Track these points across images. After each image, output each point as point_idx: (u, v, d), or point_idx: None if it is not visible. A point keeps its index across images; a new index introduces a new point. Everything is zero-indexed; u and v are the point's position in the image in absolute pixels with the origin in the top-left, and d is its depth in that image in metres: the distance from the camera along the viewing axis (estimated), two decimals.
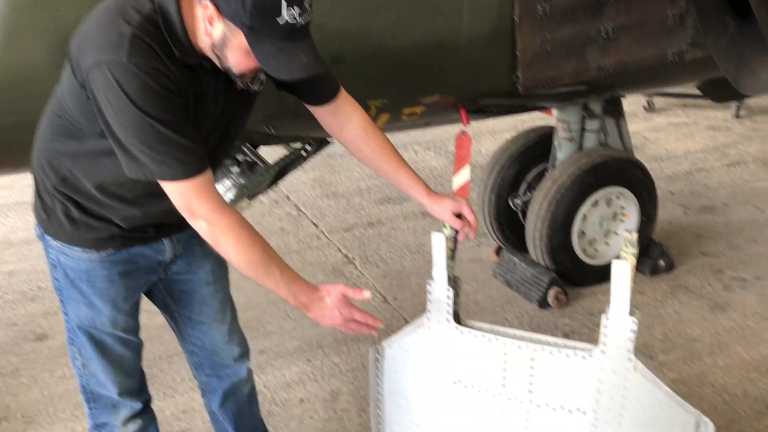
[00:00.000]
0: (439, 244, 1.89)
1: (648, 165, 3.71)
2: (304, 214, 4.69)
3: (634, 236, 1.67)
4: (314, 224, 4.52)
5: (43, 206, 1.80)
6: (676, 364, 2.98)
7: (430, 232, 1.92)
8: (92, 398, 1.97)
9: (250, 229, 1.64)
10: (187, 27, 1.55)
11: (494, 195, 3.71)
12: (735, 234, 4.19)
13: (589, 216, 3.50)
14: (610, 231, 3.60)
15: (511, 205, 3.72)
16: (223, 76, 1.64)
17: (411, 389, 2.04)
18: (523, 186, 3.72)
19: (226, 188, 2.76)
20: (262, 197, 4.91)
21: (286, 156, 2.89)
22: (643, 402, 1.74)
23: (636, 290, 3.49)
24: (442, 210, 1.91)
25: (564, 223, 3.42)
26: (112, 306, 1.85)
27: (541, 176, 3.64)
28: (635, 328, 1.67)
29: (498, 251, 3.81)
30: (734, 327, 3.25)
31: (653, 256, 3.69)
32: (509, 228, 3.77)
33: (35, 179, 1.80)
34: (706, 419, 1.74)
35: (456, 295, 1.91)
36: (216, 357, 2.11)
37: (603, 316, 1.70)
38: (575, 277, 3.54)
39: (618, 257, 1.67)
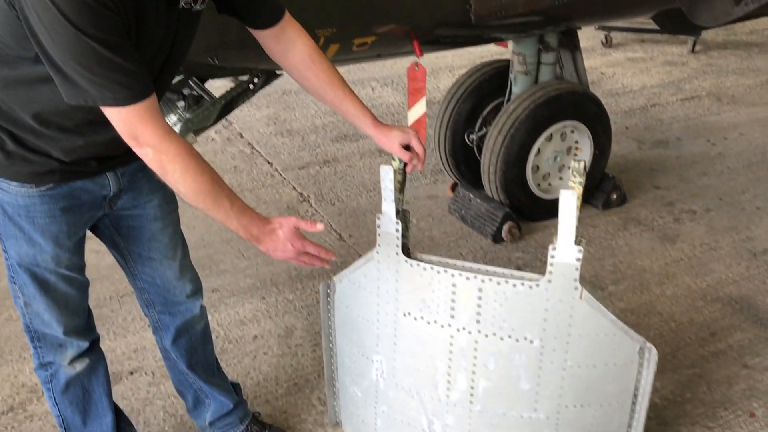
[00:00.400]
0: (387, 177, 1.86)
1: (604, 100, 3.71)
2: (258, 152, 4.61)
3: (581, 165, 1.66)
4: (268, 162, 4.46)
5: None
6: (625, 294, 3.04)
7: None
8: (37, 337, 1.92)
9: (199, 157, 1.57)
10: None
11: (449, 131, 3.68)
12: (687, 167, 4.26)
13: (544, 150, 3.50)
14: (564, 165, 3.61)
15: (467, 141, 3.70)
16: None
17: (361, 322, 2.04)
18: (479, 121, 3.70)
19: (171, 123, 2.68)
20: (214, 135, 4.83)
21: (232, 89, 2.81)
22: (589, 329, 1.77)
23: (588, 223, 3.56)
24: (390, 141, 1.87)
25: (518, 158, 3.41)
26: (55, 243, 1.78)
27: (497, 111, 3.61)
28: (580, 256, 1.68)
29: (453, 187, 3.81)
30: (683, 257, 3.32)
31: (606, 190, 3.73)
32: (465, 164, 3.76)
33: None
34: (649, 345, 1.79)
35: (405, 228, 1.90)
36: (168, 294, 2.07)
37: (550, 246, 1.71)
38: (529, 211, 3.56)
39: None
